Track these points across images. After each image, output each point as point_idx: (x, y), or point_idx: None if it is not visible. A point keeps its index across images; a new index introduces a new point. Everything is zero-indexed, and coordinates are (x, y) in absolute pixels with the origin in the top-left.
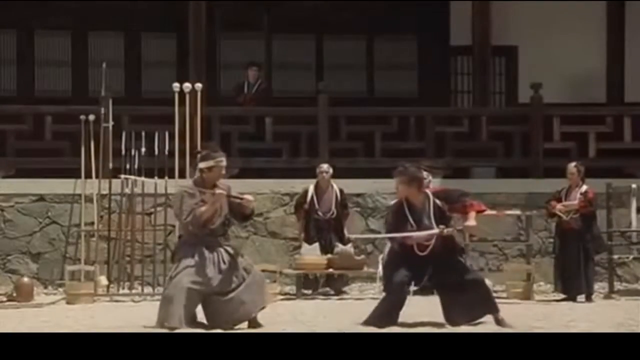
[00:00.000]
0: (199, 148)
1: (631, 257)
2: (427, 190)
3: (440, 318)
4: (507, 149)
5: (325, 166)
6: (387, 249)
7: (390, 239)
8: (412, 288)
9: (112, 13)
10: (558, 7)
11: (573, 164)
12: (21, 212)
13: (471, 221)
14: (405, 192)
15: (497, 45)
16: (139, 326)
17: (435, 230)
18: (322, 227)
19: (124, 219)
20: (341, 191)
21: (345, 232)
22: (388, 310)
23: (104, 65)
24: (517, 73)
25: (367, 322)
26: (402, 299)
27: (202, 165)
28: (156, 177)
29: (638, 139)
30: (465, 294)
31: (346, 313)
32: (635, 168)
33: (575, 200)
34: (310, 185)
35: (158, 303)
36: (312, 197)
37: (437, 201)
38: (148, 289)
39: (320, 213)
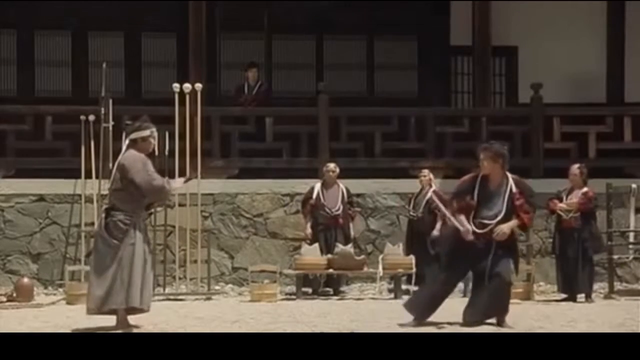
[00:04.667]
0: (127, 122)
1: (631, 257)
2: (509, 174)
3: (440, 318)
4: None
5: (332, 165)
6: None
7: (447, 206)
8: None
9: (112, 13)
10: (558, 8)
11: (576, 165)
12: (21, 212)
13: (507, 229)
14: (490, 168)
15: (497, 45)
16: (139, 326)
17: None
18: (329, 225)
19: None
20: (347, 190)
21: (352, 232)
22: (431, 300)
23: (104, 65)
24: (517, 73)
25: (406, 305)
26: (446, 291)
27: (136, 135)
28: None
29: (638, 139)
30: (488, 290)
31: (346, 313)
32: (635, 168)
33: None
34: (316, 183)
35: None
36: (318, 193)
37: (515, 188)
38: None
39: (327, 209)
